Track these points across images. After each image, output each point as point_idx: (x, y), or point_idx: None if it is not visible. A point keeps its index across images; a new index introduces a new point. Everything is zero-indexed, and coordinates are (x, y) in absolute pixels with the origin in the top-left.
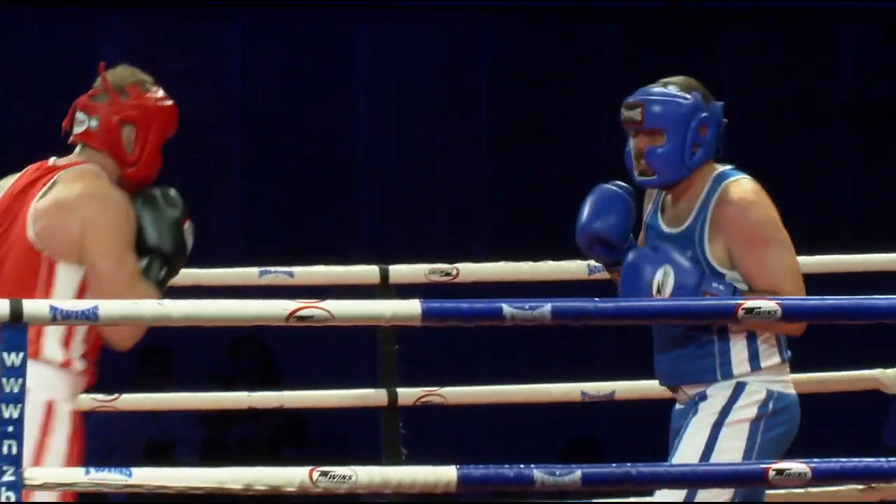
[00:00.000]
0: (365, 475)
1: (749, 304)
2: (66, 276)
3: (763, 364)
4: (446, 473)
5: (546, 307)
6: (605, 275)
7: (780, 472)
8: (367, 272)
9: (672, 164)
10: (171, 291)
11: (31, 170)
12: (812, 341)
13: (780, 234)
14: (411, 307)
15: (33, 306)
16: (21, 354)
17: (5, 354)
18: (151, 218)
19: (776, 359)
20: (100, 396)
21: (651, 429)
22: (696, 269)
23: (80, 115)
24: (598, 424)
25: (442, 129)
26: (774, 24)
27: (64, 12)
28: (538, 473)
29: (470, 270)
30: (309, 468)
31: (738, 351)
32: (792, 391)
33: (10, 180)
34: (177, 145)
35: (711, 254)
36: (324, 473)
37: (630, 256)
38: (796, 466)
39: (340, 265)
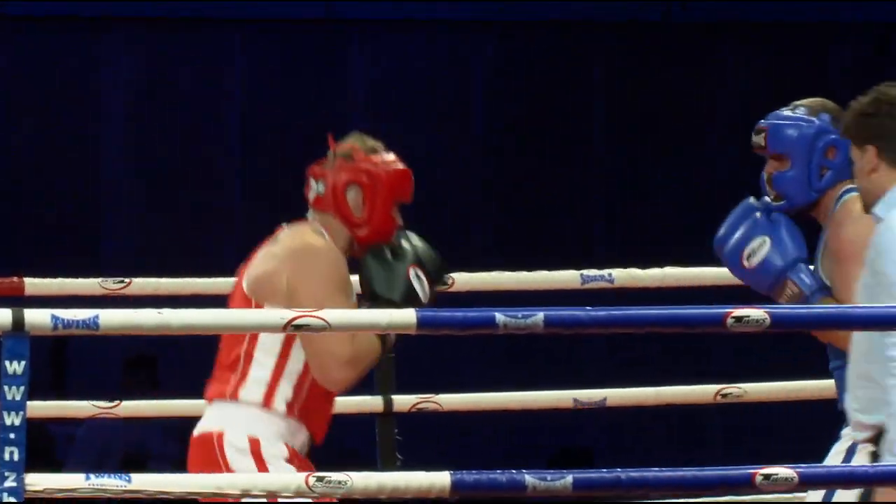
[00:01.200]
0: (360, 481)
1: (738, 312)
2: None
3: None
4: (440, 479)
5: (539, 315)
6: (598, 284)
7: (766, 476)
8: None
9: (798, 188)
10: (170, 301)
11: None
12: (808, 349)
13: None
14: (407, 316)
15: (35, 315)
16: (23, 363)
17: (7, 363)
18: (376, 268)
19: None
20: (101, 403)
21: (641, 435)
22: (794, 254)
23: (311, 182)
24: (589, 431)
25: (437, 140)
26: (768, 38)
27: (66, 26)
28: (530, 479)
29: (465, 279)
30: (305, 474)
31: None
32: None
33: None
34: (178, 159)
35: (822, 270)
36: (320, 479)
37: (740, 213)
38: (783, 471)
39: None
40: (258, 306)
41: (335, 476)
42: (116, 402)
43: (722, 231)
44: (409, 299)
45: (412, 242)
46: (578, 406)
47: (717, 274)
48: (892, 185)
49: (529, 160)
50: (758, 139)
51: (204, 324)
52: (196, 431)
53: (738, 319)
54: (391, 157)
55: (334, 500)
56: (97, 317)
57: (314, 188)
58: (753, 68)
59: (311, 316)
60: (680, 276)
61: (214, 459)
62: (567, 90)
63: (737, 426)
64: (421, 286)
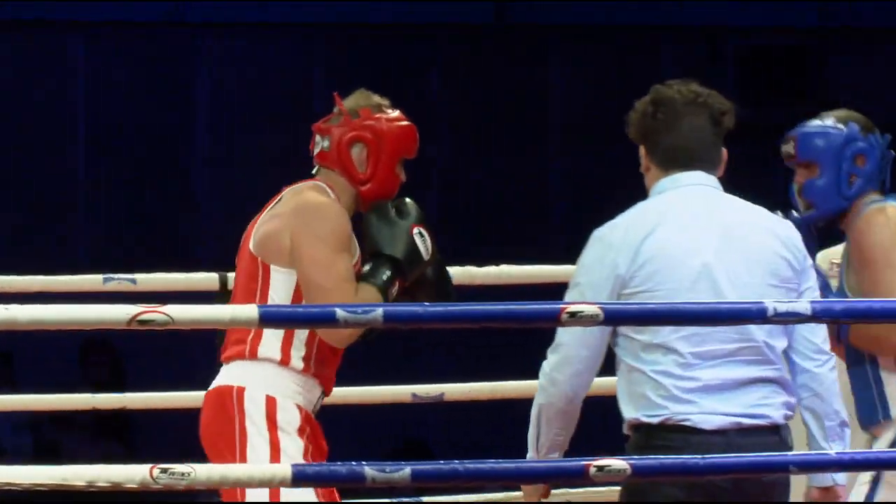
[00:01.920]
0: (203, 472)
1: (572, 308)
2: (279, 280)
3: None
4: (282, 470)
5: (378, 311)
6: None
7: (600, 468)
8: (206, 279)
9: (829, 196)
10: (19, 298)
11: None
12: None
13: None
14: (249, 311)
15: None
16: None
17: None
18: (379, 225)
19: None
20: None
21: (478, 428)
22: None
23: (316, 138)
24: (427, 425)
25: (279, 140)
26: (600, 40)
27: None
28: (369, 470)
29: None
30: (150, 465)
31: (894, 390)
32: None
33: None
34: (22, 156)
35: (847, 281)
36: (164, 470)
37: None
38: (616, 463)
39: (182, 272)
40: (264, 265)
41: (179, 468)
42: None
43: None
44: (411, 256)
45: (411, 204)
46: (417, 400)
47: (552, 272)
48: (654, 184)
49: None
50: (787, 147)
51: (48, 318)
52: (213, 386)
53: (573, 315)
54: (396, 113)
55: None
56: None
57: (319, 144)
58: (586, 70)
59: (155, 311)
60: (515, 274)
61: (230, 411)
62: (404, 91)
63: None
64: (424, 244)
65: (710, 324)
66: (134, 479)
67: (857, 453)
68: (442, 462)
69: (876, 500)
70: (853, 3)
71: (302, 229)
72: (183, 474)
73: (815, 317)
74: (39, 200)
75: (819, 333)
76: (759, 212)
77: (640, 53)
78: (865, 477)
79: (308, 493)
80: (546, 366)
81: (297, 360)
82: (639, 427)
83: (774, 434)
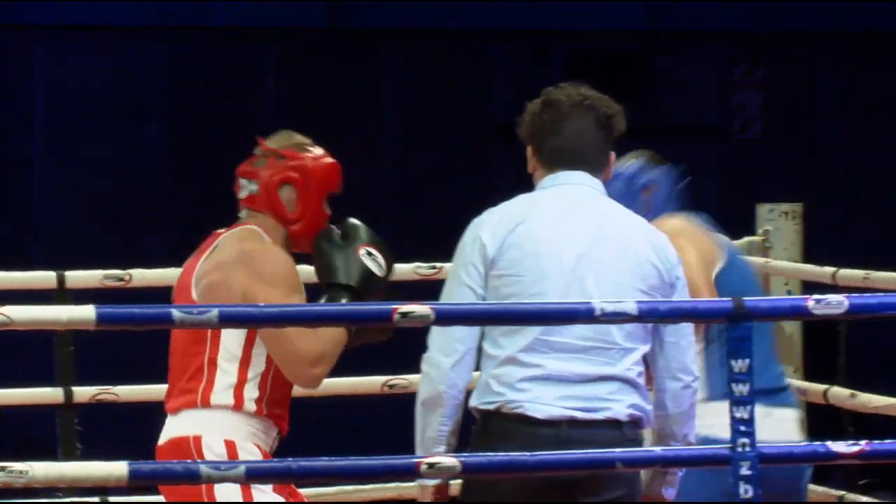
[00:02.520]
0: (41, 470)
1: (404, 308)
2: (230, 332)
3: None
4: (118, 468)
5: (213, 311)
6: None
7: (430, 465)
8: (44, 278)
9: None
10: None
11: (203, 241)
12: None
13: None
14: (86, 312)
15: None
16: None
17: None
18: (329, 254)
19: None
20: None
21: (313, 426)
22: None
23: (242, 181)
24: None
25: (117, 142)
26: (433, 43)
27: None
28: (204, 468)
29: (142, 276)
30: None
31: None
32: None
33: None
34: None
35: None
36: (1, 469)
37: None
38: (446, 460)
39: (19, 271)
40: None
41: (17, 466)
42: None
43: None
44: (365, 280)
45: (356, 225)
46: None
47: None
48: (538, 182)
49: (206, 160)
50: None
51: None
52: (163, 440)
53: (404, 315)
54: (320, 151)
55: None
56: None
57: (246, 187)
58: (417, 71)
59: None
60: None
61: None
62: (240, 93)
63: (405, 416)
64: (374, 262)
65: (538, 323)
66: None
67: (683, 450)
68: (276, 460)
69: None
70: (676, 7)
71: (252, 277)
72: (21, 472)
73: (641, 316)
74: None
75: (689, 352)
76: (635, 219)
77: (470, 55)
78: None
79: (271, 494)
80: (431, 356)
81: (250, 404)
82: (478, 413)
83: (614, 429)
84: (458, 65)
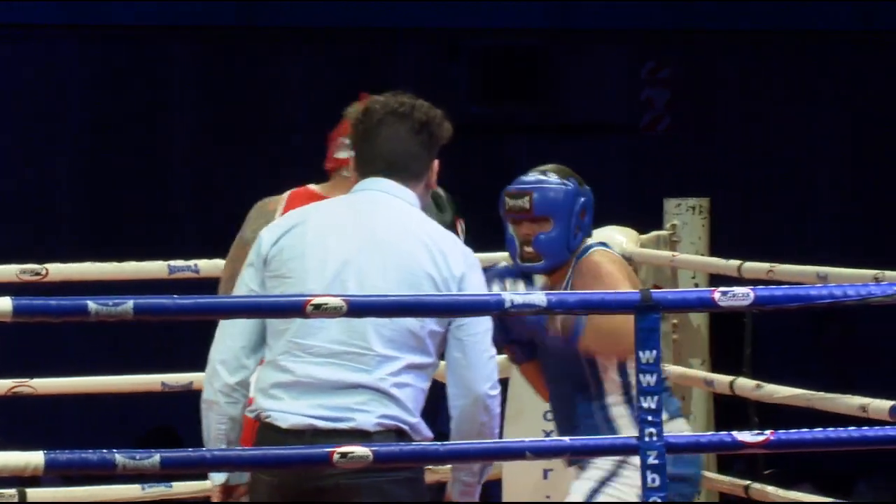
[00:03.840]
0: None
1: (317, 300)
2: None
3: None
4: (34, 458)
5: (129, 304)
6: (185, 274)
7: (343, 454)
8: None
9: (559, 248)
10: None
11: (297, 199)
12: None
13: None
14: (2, 304)
15: None
16: None
17: None
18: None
19: None
20: None
21: None
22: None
23: (342, 141)
24: (176, 413)
25: (30, 138)
26: (339, 42)
27: None
28: (120, 458)
29: (58, 270)
30: None
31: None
32: None
33: (266, 208)
34: None
35: (564, 321)
36: None
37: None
38: (359, 450)
39: None
40: None
41: None
42: None
43: None
44: None
45: (448, 196)
46: (167, 389)
47: None
48: None
49: (118, 158)
50: (520, 202)
51: None
52: None
53: (317, 307)
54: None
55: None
56: None
57: (348, 149)
58: (329, 70)
59: None
60: None
61: None
62: (149, 90)
63: None
64: (461, 238)
65: (447, 315)
66: None
67: (591, 440)
68: (191, 449)
69: (596, 500)
70: (576, 7)
71: None
72: None
73: (550, 308)
74: None
75: (476, 370)
76: (424, 226)
77: (380, 52)
78: (594, 474)
79: None
80: (210, 356)
81: None
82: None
83: (362, 439)
84: (369, 63)
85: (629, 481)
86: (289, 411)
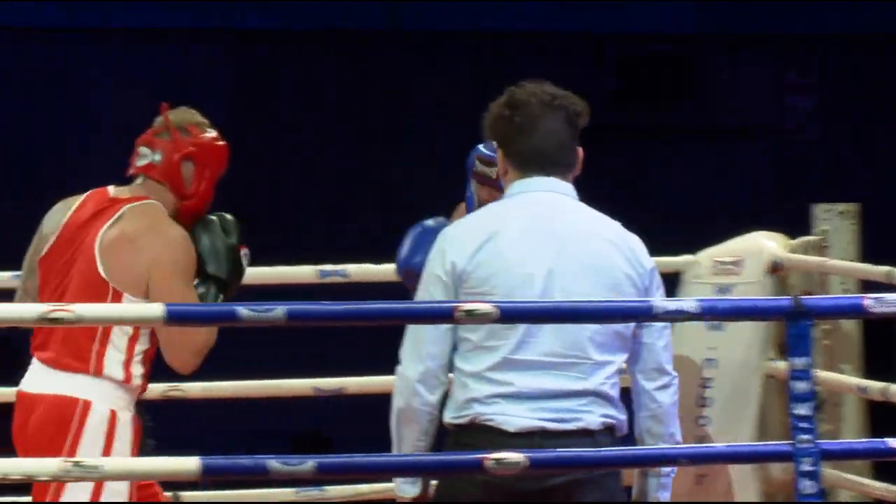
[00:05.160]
0: (113, 465)
1: (467, 306)
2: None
3: None
4: (190, 463)
5: (280, 309)
6: (334, 279)
7: (497, 461)
8: None
9: None
10: None
11: (91, 199)
12: None
13: None
14: (155, 310)
15: None
16: None
17: None
18: (210, 245)
19: None
20: None
21: (376, 422)
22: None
23: (143, 150)
24: (325, 417)
25: None
26: (484, 45)
27: None
28: (274, 463)
29: None
30: (61, 459)
31: None
32: None
33: (68, 205)
34: None
35: None
36: (76, 464)
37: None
38: (512, 456)
39: None
40: (116, 292)
41: (89, 461)
42: None
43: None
44: (237, 276)
45: (234, 221)
46: (318, 394)
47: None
48: (509, 186)
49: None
50: (489, 171)
51: None
52: (39, 389)
53: (468, 312)
54: (215, 132)
55: None
56: None
57: (148, 157)
58: (479, 73)
59: (65, 311)
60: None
61: (68, 423)
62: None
63: None
64: (246, 262)
65: (597, 321)
66: (48, 472)
67: (744, 447)
68: (345, 455)
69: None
70: (722, 13)
71: (160, 260)
72: (94, 467)
73: (701, 314)
74: None
75: (665, 353)
76: (605, 223)
77: (524, 58)
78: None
79: (123, 495)
80: (399, 367)
81: (136, 379)
82: (450, 428)
83: (587, 438)
84: (515, 67)
85: None
86: (515, 415)
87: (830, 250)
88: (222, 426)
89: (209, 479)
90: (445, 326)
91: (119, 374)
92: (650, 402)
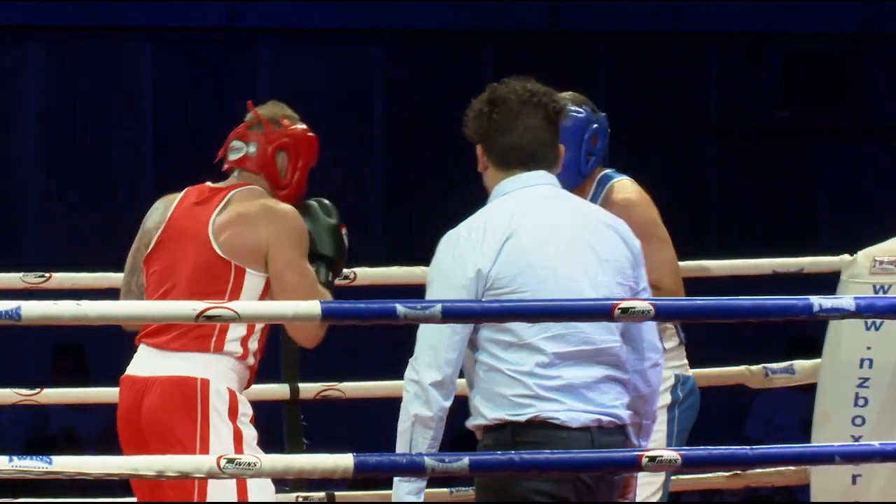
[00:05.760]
0: (269, 463)
1: (624, 304)
2: (252, 282)
3: (666, 345)
4: (344, 461)
5: (437, 307)
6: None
7: (652, 458)
8: None
9: (571, 173)
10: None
11: (192, 193)
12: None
13: (660, 232)
14: (312, 307)
15: None
16: None
17: None
18: (315, 227)
19: (675, 341)
20: (23, 391)
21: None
22: None
23: (236, 143)
24: None
25: (327, 143)
26: (644, 45)
27: None
28: (429, 461)
29: (366, 274)
30: (217, 456)
31: None
32: (691, 373)
33: (169, 202)
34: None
35: None
36: (231, 461)
37: None
38: (667, 454)
39: None
40: (238, 268)
41: (245, 458)
42: (37, 389)
43: None
44: (342, 255)
45: (331, 205)
46: None
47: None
48: (496, 184)
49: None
50: None
51: (122, 314)
52: (155, 372)
53: (625, 310)
54: (304, 125)
55: None
56: (19, 308)
57: (242, 150)
58: (632, 74)
59: (223, 307)
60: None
61: (194, 404)
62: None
63: None
64: (346, 243)
65: (758, 319)
66: (202, 469)
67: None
68: (499, 453)
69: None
70: (889, 8)
71: (279, 235)
72: (250, 464)
73: (860, 312)
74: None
75: (654, 330)
76: (598, 210)
77: (687, 56)
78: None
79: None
80: (413, 373)
81: (251, 356)
82: (503, 426)
83: (622, 433)
84: (673, 67)
85: None
86: (575, 410)
87: None
88: (380, 427)
89: (364, 476)
90: (463, 332)
91: (238, 349)
92: (640, 380)
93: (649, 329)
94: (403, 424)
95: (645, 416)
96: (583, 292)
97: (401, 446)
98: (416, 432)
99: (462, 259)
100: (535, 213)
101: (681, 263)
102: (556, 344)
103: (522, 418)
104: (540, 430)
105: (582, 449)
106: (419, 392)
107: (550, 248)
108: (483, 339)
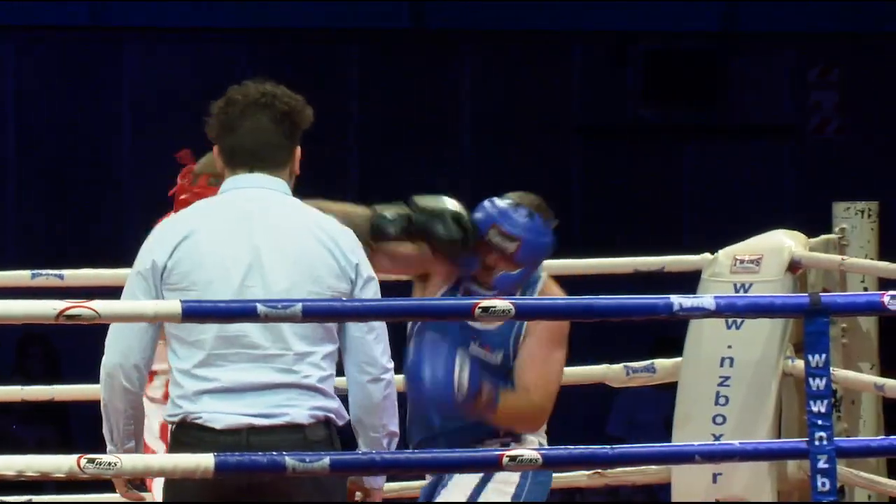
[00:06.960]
0: (129, 462)
1: (485, 303)
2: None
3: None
4: (205, 461)
5: (297, 306)
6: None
7: (512, 458)
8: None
9: (512, 287)
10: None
11: None
12: None
13: (565, 343)
14: (172, 306)
15: None
16: None
17: None
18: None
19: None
20: None
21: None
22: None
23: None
24: None
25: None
26: (509, 43)
27: None
28: (289, 460)
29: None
30: (77, 455)
31: None
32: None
33: None
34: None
35: (521, 348)
36: (91, 461)
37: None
38: (528, 453)
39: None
40: None
41: (105, 458)
42: None
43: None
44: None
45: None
46: None
47: None
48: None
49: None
50: (508, 246)
51: None
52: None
53: (485, 309)
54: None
55: None
56: None
57: None
58: (497, 73)
59: (83, 307)
60: None
61: None
62: (323, 96)
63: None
64: None
65: (616, 318)
66: (62, 469)
67: (761, 444)
68: (360, 452)
69: (480, 499)
70: (752, 9)
71: None
72: (110, 464)
73: (720, 311)
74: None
75: (377, 347)
76: (312, 218)
77: (553, 55)
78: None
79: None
80: (106, 361)
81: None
82: (170, 427)
83: (296, 432)
84: (538, 65)
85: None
86: (223, 412)
87: (850, 248)
88: None
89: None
90: (149, 325)
91: (158, 393)
92: (359, 392)
93: (369, 344)
94: (102, 410)
95: (373, 429)
96: (255, 296)
97: (104, 430)
98: (110, 417)
99: (147, 250)
100: (223, 214)
101: (545, 262)
102: (218, 345)
103: (176, 419)
104: (191, 432)
105: (233, 452)
106: (106, 379)
107: (227, 248)
108: (169, 334)
